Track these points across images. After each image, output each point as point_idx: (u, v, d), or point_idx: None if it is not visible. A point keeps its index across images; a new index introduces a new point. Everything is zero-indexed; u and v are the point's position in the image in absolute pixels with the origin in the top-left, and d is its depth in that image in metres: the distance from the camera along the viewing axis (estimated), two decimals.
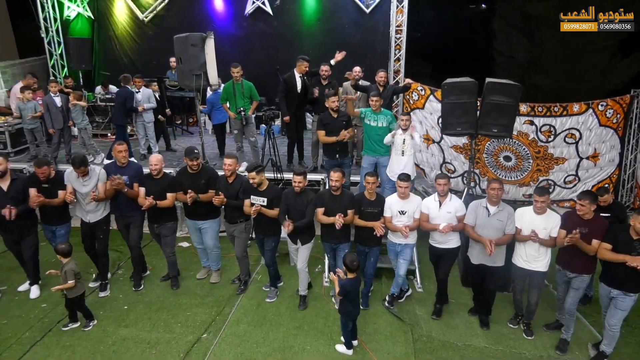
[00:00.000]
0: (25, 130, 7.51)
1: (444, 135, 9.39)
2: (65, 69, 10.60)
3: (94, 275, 5.80)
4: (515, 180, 9.43)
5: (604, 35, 14.43)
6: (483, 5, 23.41)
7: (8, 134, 7.85)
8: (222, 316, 5.12)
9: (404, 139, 5.84)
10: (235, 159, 5.28)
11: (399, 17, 9.13)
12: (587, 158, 9.13)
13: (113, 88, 9.47)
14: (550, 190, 9.24)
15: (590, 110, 8.83)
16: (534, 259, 4.64)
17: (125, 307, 5.29)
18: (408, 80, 7.01)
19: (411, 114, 9.48)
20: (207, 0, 9.70)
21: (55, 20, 10.28)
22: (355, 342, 4.65)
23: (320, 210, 4.94)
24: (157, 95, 7.99)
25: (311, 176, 6.99)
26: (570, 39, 14.58)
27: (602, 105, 8.83)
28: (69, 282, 4.54)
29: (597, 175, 9.27)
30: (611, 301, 4.35)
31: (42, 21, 10.13)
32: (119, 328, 4.88)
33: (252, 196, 5.01)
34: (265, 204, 4.96)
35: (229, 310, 5.25)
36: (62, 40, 10.45)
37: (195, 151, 5.20)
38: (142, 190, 5.19)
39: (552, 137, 9.05)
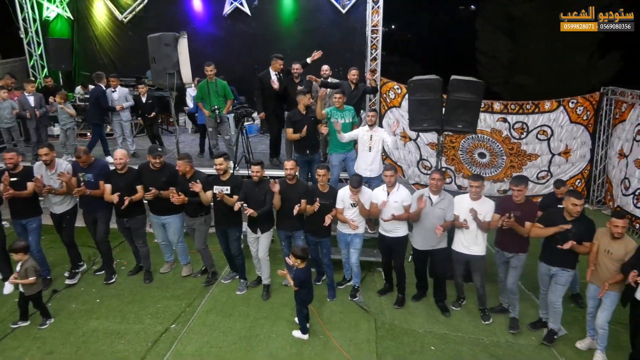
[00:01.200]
0: (2, 130, 7.62)
1: (420, 133, 9.67)
2: (45, 69, 10.70)
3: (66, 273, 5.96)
4: (489, 176, 9.71)
5: (584, 35, 14.81)
6: (472, 7, 23.82)
7: None
8: (191, 308, 5.31)
9: (371, 135, 6.03)
10: (188, 159, 5.41)
11: (374, 17, 9.35)
12: (559, 154, 9.44)
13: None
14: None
15: (561, 108, 9.14)
16: (472, 243, 4.94)
17: (98, 300, 5.45)
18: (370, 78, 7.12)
19: (388, 112, 9.81)
20: (185, 1, 9.88)
21: (35, 20, 10.41)
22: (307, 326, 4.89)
23: (276, 198, 5.16)
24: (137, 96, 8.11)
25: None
26: (551, 39, 14.96)
27: (572, 103, 9.13)
28: (30, 278, 4.63)
29: (569, 171, 9.58)
30: (551, 278, 4.66)
31: (21, 22, 10.25)
32: (89, 320, 5.05)
33: (214, 186, 5.22)
34: (228, 192, 5.16)
35: (199, 302, 5.43)
36: (41, 41, 10.56)
37: (159, 149, 5.41)
38: (107, 187, 5.35)
39: (524, 134, 9.35)
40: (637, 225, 8.04)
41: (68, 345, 4.62)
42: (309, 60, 7.07)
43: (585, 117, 9.19)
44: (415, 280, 5.60)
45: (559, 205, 5.10)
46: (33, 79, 10.32)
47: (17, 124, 7.63)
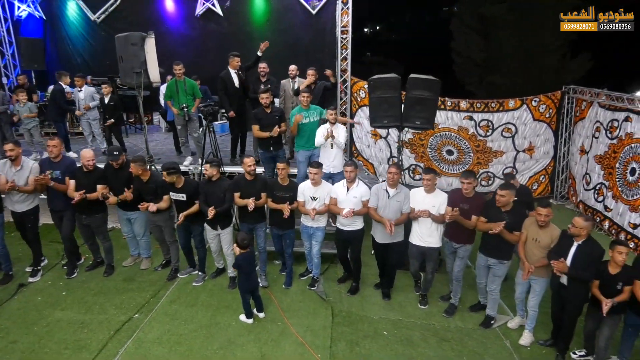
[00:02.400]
0: None
1: (389, 131, 9.98)
2: (18, 69, 10.79)
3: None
4: (457, 172, 10.05)
5: (555, 36, 15.34)
6: (455, 8, 24.30)
7: None
8: (155, 298, 5.53)
9: (332, 131, 6.29)
10: (143, 162, 5.61)
11: (344, 18, 9.60)
12: (523, 151, 9.84)
13: (66, 87, 9.71)
14: (490, 182, 9.92)
15: (525, 106, 9.53)
16: (427, 235, 5.23)
17: (64, 292, 5.65)
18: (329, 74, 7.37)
19: (359, 110, 10.09)
20: (158, 1, 10.05)
21: (6, 20, 10.50)
22: (262, 315, 5.20)
23: (236, 195, 5.42)
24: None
25: (233, 168, 7.39)
26: (524, 40, 15.43)
27: (535, 101, 9.54)
28: None
29: (533, 167, 9.98)
30: (489, 270, 5.00)
31: None
32: (55, 311, 5.24)
33: (171, 192, 5.46)
34: (185, 199, 5.40)
35: (163, 293, 5.67)
36: (13, 41, 10.65)
37: (115, 153, 5.59)
38: (71, 183, 5.55)
39: (490, 131, 9.72)
40: (598, 219, 8.43)
41: (32, 334, 4.81)
42: (259, 52, 7.37)
43: (547, 115, 9.59)
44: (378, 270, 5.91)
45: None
46: (5, 78, 10.47)
47: None
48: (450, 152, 10.06)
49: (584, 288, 4.30)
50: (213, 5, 9.90)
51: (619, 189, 7.88)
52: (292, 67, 7.62)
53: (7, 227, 5.94)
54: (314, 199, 5.43)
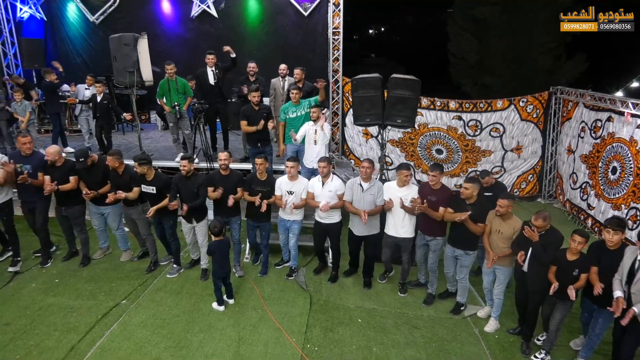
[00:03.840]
0: None
1: (381, 130, 10.27)
2: (20, 69, 11.19)
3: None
4: (446, 171, 10.32)
5: (550, 36, 15.53)
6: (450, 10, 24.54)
7: None
8: (143, 286, 5.85)
9: (315, 130, 6.60)
10: (119, 155, 5.86)
11: (335, 20, 9.95)
12: (512, 150, 10.10)
13: (66, 86, 10.08)
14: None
15: (512, 106, 9.80)
16: (400, 227, 5.53)
17: (57, 280, 5.98)
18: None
19: (351, 109, 10.37)
20: (155, 3, 10.40)
21: (9, 21, 10.91)
22: (231, 301, 5.49)
23: (210, 189, 5.74)
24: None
25: (242, 165, 7.75)
26: (516, 41, 15.64)
27: (523, 102, 9.80)
28: None
29: (521, 167, 10.24)
30: (457, 260, 5.31)
31: None
32: (47, 297, 5.57)
33: (142, 185, 5.74)
34: (154, 192, 5.68)
35: (151, 282, 5.98)
36: (15, 41, 11.05)
37: (81, 160, 5.73)
38: (46, 178, 5.82)
39: (478, 131, 10.00)
40: (582, 217, 8.67)
41: (24, 317, 5.14)
42: (232, 55, 7.85)
43: (535, 115, 9.84)
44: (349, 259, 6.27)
45: (485, 194, 5.75)
46: (16, 75, 10.86)
47: None
48: (439, 151, 10.33)
49: (543, 274, 4.53)
50: (208, 7, 10.23)
51: (601, 187, 8.12)
52: (282, 66, 7.95)
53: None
54: (290, 193, 5.74)
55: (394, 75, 6.68)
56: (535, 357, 4.74)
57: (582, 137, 8.96)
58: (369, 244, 5.84)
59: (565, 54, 16.20)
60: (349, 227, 5.88)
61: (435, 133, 10.17)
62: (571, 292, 4.26)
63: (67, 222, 6.26)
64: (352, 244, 6.02)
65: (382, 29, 39.04)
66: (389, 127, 6.96)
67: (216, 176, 5.79)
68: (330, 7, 9.85)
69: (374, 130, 10.19)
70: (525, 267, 4.68)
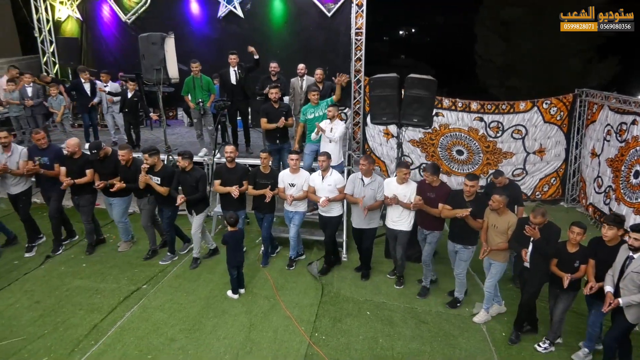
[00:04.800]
0: (12, 118, 8.70)
1: (403, 130, 10.37)
2: (57, 66, 11.83)
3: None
4: (467, 172, 10.32)
5: (580, 39, 15.28)
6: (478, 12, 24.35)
7: None
8: (163, 273, 6.19)
9: (331, 128, 6.79)
10: (128, 149, 6.23)
11: (358, 21, 10.13)
12: (534, 153, 10.04)
13: (100, 84, 10.60)
14: None
15: (535, 108, 9.76)
16: (398, 220, 5.72)
17: (84, 264, 6.38)
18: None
19: None
20: (184, 4, 10.83)
21: (48, 21, 11.56)
22: (242, 290, 5.76)
23: (217, 182, 6.06)
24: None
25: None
26: (545, 43, 15.43)
27: (546, 104, 9.74)
28: None
29: (544, 169, 10.16)
30: (456, 255, 5.46)
31: (35, 22, 11.42)
32: (74, 279, 5.97)
33: (150, 175, 6.05)
34: (159, 182, 6.01)
35: (171, 269, 6.31)
36: (53, 40, 11.69)
37: (94, 151, 6.08)
38: (62, 169, 6.22)
39: (500, 132, 9.99)
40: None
41: (53, 297, 5.54)
42: (255, 56, 8.06)
43: (558, 118, 9.76)
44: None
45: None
46: (45, 73, 11.50)
47: (24, 113, 8.63)
48: (460, 152, 10.36)
49: (543, 268, 4.69)
50: (235, 8, 10.57)
51: (622, 191, 8.01)
52: (301, 66, 8.18)
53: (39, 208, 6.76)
54: (292, 185, 6.02)
55: (411, 75, 6.81)
56: (539, 345, 4.89)
57: (609, 141, 8.83)
58: (367, 237, 6.06)
59: (597, 56, 15.87)
60: (351, 220, 6.11)
61: (456, 134, 10.21)
62: (565, 281, 4.42)
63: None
64: (354, 237, 6.26)
65: (413, 30, 38.87)
66: (406, 127, 7.10)
67: (223, 169, 6.11)
68: (354, 8, 10.03)
69: (394, 129, 10.30)
70: (527, 264, 4.80)
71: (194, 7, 10.82)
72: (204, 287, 5.86)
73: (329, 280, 6.17)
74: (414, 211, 5.63)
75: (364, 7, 9.99)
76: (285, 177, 6.06)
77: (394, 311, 5.56)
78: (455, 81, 19.40)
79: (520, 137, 9.93)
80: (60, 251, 6.70)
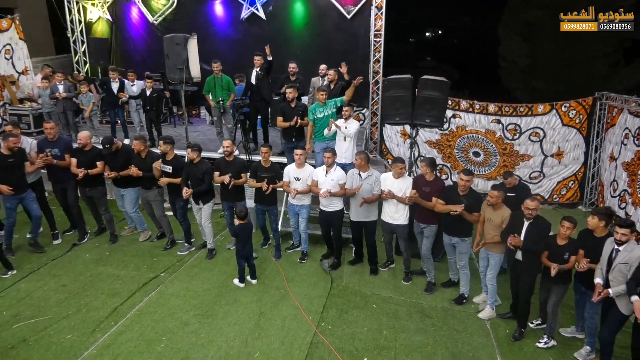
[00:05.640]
0: (44, 114, 9.21)
1: (419, 131, 10.51)
2: (87, 65, 12.40)
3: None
4: (484, 174, 10.43)
5: (606, 42, 15.06)
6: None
7: (32, 117, 9.57)
8: (181, 262, 6.52)
9: (345, 127, 7.00)
10: (142, 140, 6.56)
11: (377, 23, 10.33)
12: (552, 156, 10.02)
13: (127, 82, 11.07)
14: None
15: (554, 111, 9.75)
16: (395, 214, 5.96)
17: (107, 253, 6.78)
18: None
19: None
20: (209, 6, 11.19)
21: (80, 22, 12.13)
22: (254, 281, 6.04)
23: (216, 174, 6.38)
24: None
25: (278, 159, 8.26)
26: (570, 45, 15.25)
27: (565, 107, 9.73)
28: None
29: (562, 172, 10.12)
30: (454, 248, 5.68)
31: (69, 23, 12.01)
32: (98, 266, 6.37)
33: (161, 163, 6.43)
34: (170, 171, 6.36)
35: (188, 259, 6.64)
36: (85, 40, 12.26)
37: (107, 146, 6.43)
38: (73, 160, 6.58)
39: (517, 135, 10.02)
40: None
41: (78, 282, 5.94)
42: (269, 57, 8.24)
43: (577, 121, 9.71)
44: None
45: (508, 194, 5.94)
46: (76, 72, 12.08)
47: (56, 108, 9.12)
48: (477, 154, 10.41)
49: (535, 262, 4.91)
50: (257, 9, 10.89)
51: (639, 195, 7.96)
52: (322, 66, 8.44)
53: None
54: (297, 179, 6.29)
55: (424, 76, 6.98)
56: (539, 342, 5.04)
57: (625, 144, 8.77)
58: (369, 232, 6.29)
59: (624, 59, 15.60)
60: (348, 215, 6.34)
61: (473, 136, 10.27)
62: (553, 270, 4.60)
63: (92, 202, 6.97)
64: (353, 231, 6.48)
65: (440, 32, 38.64)
66: (419, 127, 7.26)
67: (221, 162, 6.44)
68: (373, 10, 10.23)
69: (412, 131, 10.43)
70: (518, 256, 5.02)
71: (218, 9, 11.17)
72: (219, 277, 6.15)
73: (339, 275, 6.38)
74: (409, 205, 5.86)
75: (383, 10, 10.18)
76: (290, 171, 6.35)
77: (400, 305, 5.74)
78: (478, 83, 19.36)
79: (538, 139, 9.92)
80: (85, 239, 7.10)
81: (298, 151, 6.25)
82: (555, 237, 4.81)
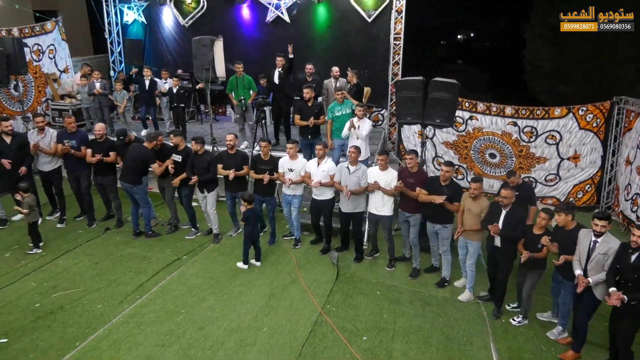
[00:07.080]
0: (83, 109, 10.03)
1: (436, 132, 10.84)
2: (123, 65, 13.27)
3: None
4: (499, 175, 10.67)
5: (635, 45, 14.97)
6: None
7: (71, 112, 10.39)
8: (201, 247, 7.13)
9: (359, 126, 7.44)
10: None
11: (397, 26, 10.75)
12: (568, 159, 10.18)
13: (159, 81, 11.81)
14: (534, 186, 10.31)
15: (571, 114, 9.92)
16: (380, 206, 6.41)
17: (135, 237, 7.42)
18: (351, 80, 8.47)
19: None
20: (236, 10, 11.83)
21: (117, 24, 13.01)
22: (258, 264, 6.61)
23: (220, 166, 6.92)
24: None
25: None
26: (597, 49, 15.23)
27: (582, 110, 9.89)
28: (24, 210, 6.52)
29: (578, 176, 10.27)
30: (437, 235, 6.14)
31: (106, 25, 12.90)
32: (127, 247, 7.04)
33: (172, 154, 7.01)
34: (180, 160, 6.95)
35: (208, 244, 7.24)
36: (121, 41, 13.13)
37: (121, 137, 7.25)
38: (88, 151, 7.24)
39: (533, 137, 10.23)
40: (632, 229, 8.60)
41: (109, 260, 6.61)
42: (290, 55, 8.78)
43: (595, 125, 9.84)
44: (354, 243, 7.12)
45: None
46: (112, 71, 12.96)
47: (93, 104, 9.89)
48: (492, 156, 10.66)
49: (512, 249, 5.37)
50: (282, 13, 11.47)
51: None
52: (335, 68, 8.92)
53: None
54: (290, 170, 6.80)
55: (436, 78, 7.34)
56: (513, 319, 5.55)
57: None
58: (356, 222, 6.74)
59: None
60: (338, 206, 6.81)
61: (489, 137, 10.52)
62: (525, 256, 5.07)
63: (103, 189, 7.60)
64: (341, 221, 6.96)
65: (472, 35, 38.54)
66: (431, 127, 7.63)
67: (224, 155, 7.02)
68: (393, 14, 10.67)
69: (429, 131, 10.77)
70: (496, 242, 5.44)
71: (245, 12, 11.81)
72: (235, 260, 6.69)
73: (347, 264, 6.84)
74: (392, 197, 6.32)
75: (403, 14, 10.59)
76: (284, 163, 6.87)
77: (402, 293, 6.14)
78: (504, 86, 19.41)
79: (554, 142, 10.09)
80: (94, 225, 7.76)
81: (290, 145, 6.77)
82: (532, 226, 5.26)
